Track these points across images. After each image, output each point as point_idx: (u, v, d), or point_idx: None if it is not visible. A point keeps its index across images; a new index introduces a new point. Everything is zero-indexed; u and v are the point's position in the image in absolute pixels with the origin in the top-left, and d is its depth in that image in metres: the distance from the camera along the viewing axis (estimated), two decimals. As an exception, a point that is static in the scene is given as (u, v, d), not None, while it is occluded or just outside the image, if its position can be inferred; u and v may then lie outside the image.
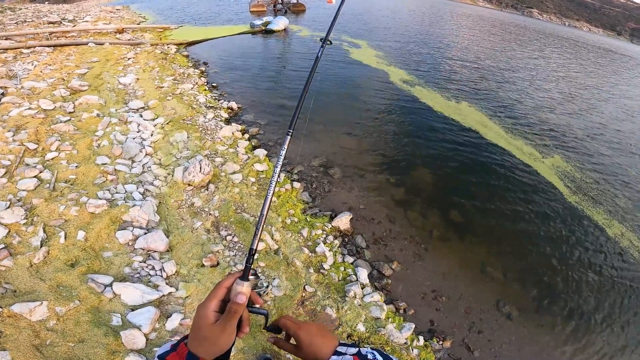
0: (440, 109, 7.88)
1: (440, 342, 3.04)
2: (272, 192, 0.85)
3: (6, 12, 11.15)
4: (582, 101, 11.11)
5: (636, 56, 29.84)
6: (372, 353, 0.72)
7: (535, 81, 12.38)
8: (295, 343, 0.76)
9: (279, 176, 0.91)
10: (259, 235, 0.78)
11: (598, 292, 3.90)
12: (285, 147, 0.92)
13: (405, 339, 2.88)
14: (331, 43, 1.42)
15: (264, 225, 0.79)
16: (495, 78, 11.56)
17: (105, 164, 4.01)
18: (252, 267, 0.71)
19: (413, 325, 3.01)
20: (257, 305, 0.71)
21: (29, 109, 4.75)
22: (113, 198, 3.53)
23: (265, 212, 0.80)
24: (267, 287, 2.99)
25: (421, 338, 2.97)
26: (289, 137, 0.95)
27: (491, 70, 12.49)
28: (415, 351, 2.83)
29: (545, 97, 10.61)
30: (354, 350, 0.73)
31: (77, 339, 2.23)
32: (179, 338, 0.68)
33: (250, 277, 0.69)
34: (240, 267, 3.10)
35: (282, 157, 0.90)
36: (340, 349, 0.74)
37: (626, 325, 3.61)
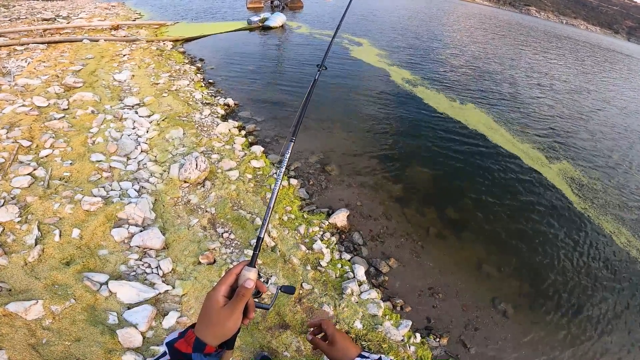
0: (444, 110, 7.82)
1: (437, 339, 3.05)
2: (277, 191, 0.93)
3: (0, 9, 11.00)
4: (593, 107, 10.92)
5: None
6: None
7: (544, 84, 12.22)
8: (330, 342, 0.87)
9: (282, 179, 0.98)
10: (266, 225, 0.86)
11: (594, 291, 3.93)
12: (289, 153, 1.00)
13: (402, 336, 2.89)
14: (326, 68, 1.60)
15: (271, 216, 0.85)
16: (503, 80, 11.38)
17: (100, 161, 3.97)
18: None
19: (410, 323, 3.02)
20: (262, 293, 0.76)
21: (23, 106, 4.69)
22: (108, 195, 3.50)
23: (272, 205, 0.89)
24: (267, 283, 2.98)
25: (418, 335, 2.98)
26: (291, 143, 1.02)
27: (498, 72, 12.31)
28: (412, 348, 2.83)
29: (555, 102, 10.44)
30: (375, 356, 0.83)
31: (74, 337, 2.22)
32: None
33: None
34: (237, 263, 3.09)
35: (286, 161, 0.99)
36: (364, 353, 0.85)
37: (621, 323, 3.63)
